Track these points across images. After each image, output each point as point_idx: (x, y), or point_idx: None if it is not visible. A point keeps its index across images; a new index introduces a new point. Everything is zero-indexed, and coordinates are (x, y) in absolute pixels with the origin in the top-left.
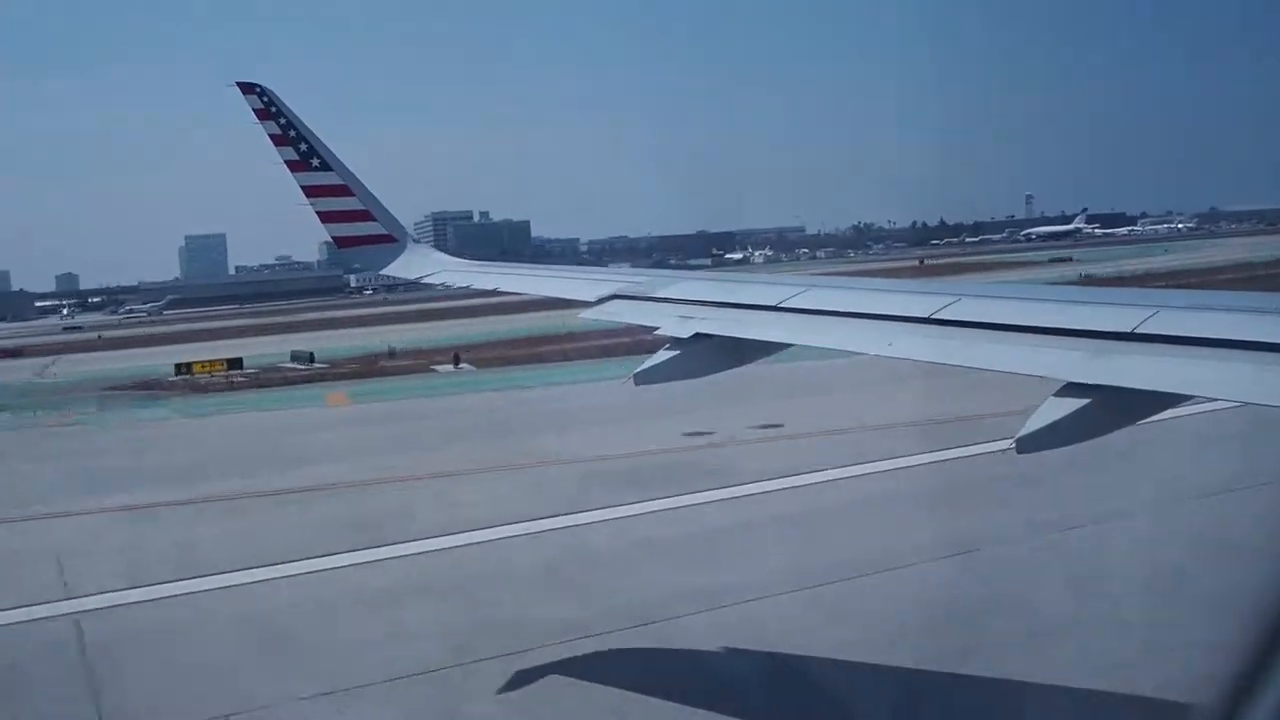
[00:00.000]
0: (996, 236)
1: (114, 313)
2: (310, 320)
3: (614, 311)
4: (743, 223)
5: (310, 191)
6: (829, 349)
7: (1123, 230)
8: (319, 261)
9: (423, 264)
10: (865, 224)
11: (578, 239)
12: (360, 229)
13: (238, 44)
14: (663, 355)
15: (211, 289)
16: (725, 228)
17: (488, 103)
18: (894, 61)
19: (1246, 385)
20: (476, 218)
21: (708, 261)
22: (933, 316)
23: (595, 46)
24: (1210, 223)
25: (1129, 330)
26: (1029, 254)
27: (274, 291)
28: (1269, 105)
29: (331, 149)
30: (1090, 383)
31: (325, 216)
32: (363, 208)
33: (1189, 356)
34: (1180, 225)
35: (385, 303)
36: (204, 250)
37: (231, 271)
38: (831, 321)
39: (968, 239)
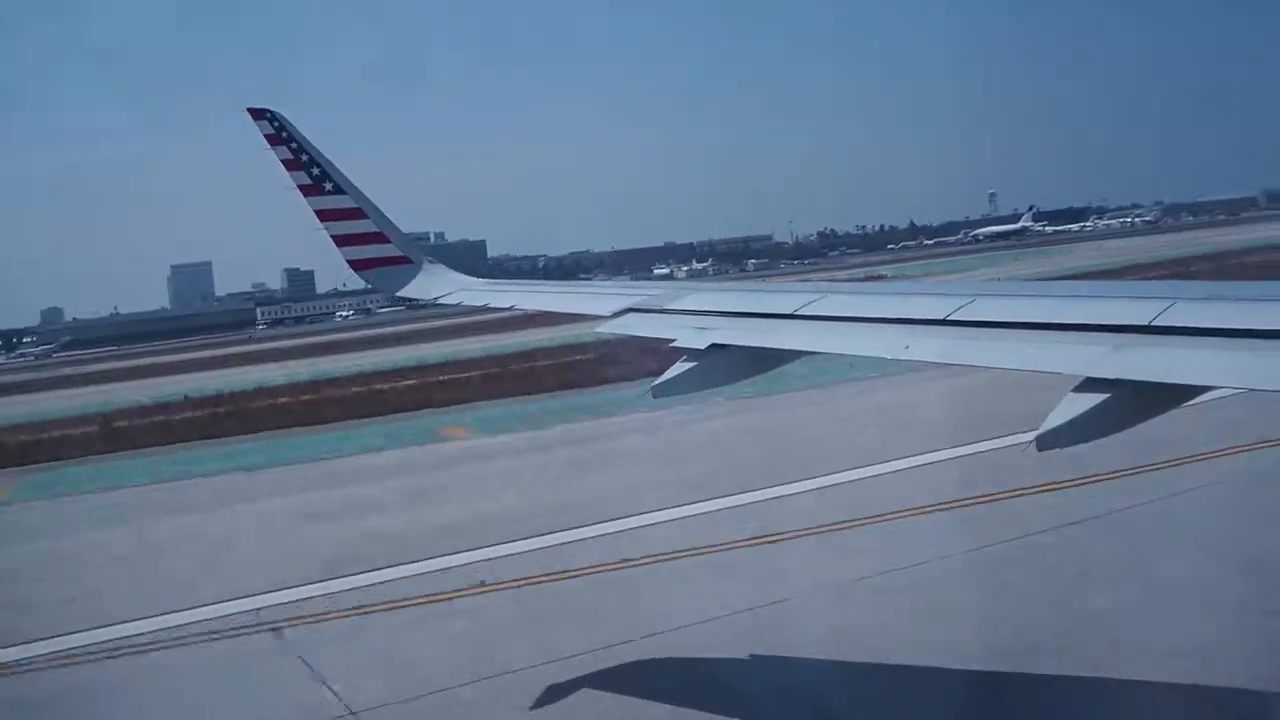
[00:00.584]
0: (952, 238)
1: (9, 355)
2: (193, 360)
3: (629, 325)
4: (709, 232)
5: (324, 215)
6: (847, 354)
7: (1075, 227)
8: (281, 289)
9: (439, 284)
10: (830, 230)
11: (538, 256)
12: (375, 251)
13: (195, 65)
14: (680, 367)
15: (108, 326)
16: (691, 238)
17: (439, 124)
18: (862, 63)
19: (1265, 373)
20: (432, 239)
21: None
22: (949, 318)
23: (542, 62)
24: (1174, 215)
25: (1146, 323)
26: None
27: (167, 330)
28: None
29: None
30: (1110, 377)
31: (340, 240)
32: (376, 230)
33: (1207, 347)
34: (1135, 220)
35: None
36: (190, 279)
37: (219, 298)
38: (847, 327)
39: (925, 241)
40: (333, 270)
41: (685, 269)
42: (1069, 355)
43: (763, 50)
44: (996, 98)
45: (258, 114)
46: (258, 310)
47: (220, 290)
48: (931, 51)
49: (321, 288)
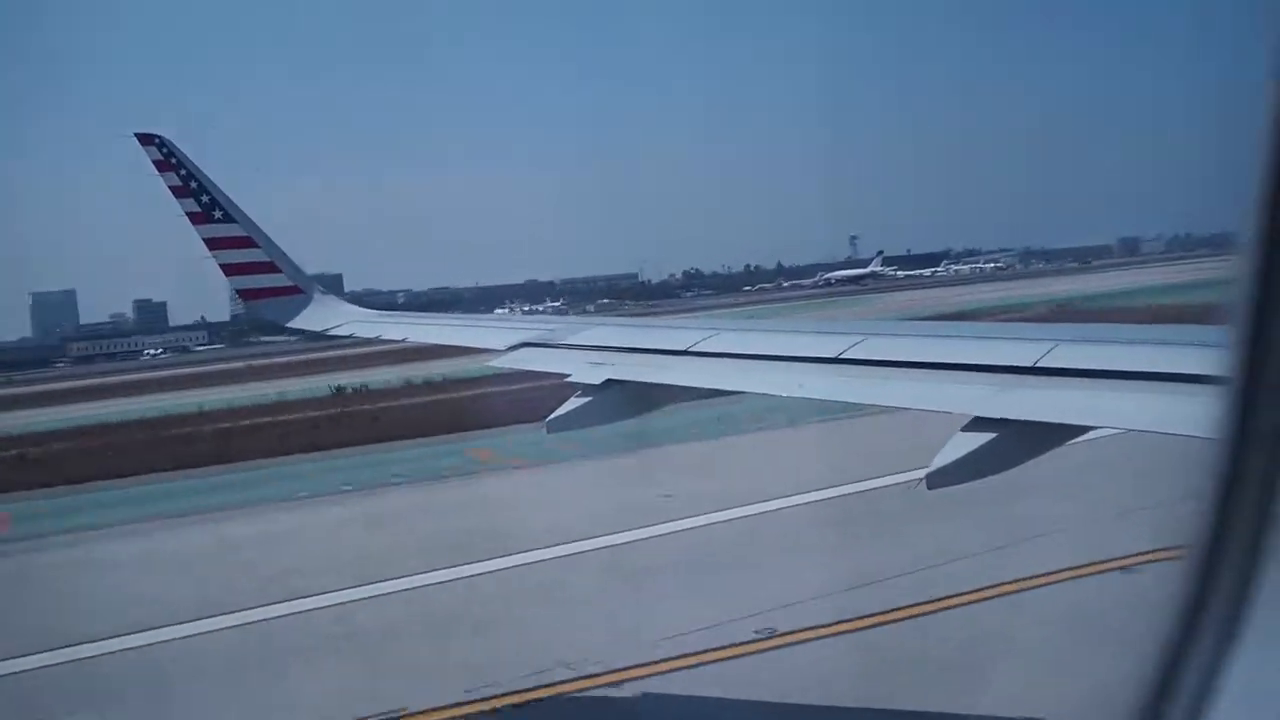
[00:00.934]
0: (807, 281)
1: None
2: None
3: (524, 359)
4: (574, 270)
5: (213, 244)
6: (741, 392)
7: (927, 272)
8: (128, 318)
9: (330, 315)
10: (696, 270)
11: (398, 291)
12: (265, 281)
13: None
14: (575, 402)
15: None
16: (555, 276)
17: (294, 157)
18: (728, 104)
19: (1145, 414)
20: None
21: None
22: (840, 356)
23: (401, 96)
24: (1028, 261)
25: (1031, 364)
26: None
27: None
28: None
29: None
30: (996, 417)
31: (229, 269)
32: (267, 259)
33: (1089, 388)
34: (986, 266)
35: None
36: (53, 308)
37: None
38: (741, 364)
39: (783, 284)
40: (189, 302)
41: (528, 308)
42: (957, 395)
43: (631, 88)
44: (870, 140)
45: (146, 139)
46: (70, 345)
47: (85, 319)
48: (803, 88)
49: (176, 320)
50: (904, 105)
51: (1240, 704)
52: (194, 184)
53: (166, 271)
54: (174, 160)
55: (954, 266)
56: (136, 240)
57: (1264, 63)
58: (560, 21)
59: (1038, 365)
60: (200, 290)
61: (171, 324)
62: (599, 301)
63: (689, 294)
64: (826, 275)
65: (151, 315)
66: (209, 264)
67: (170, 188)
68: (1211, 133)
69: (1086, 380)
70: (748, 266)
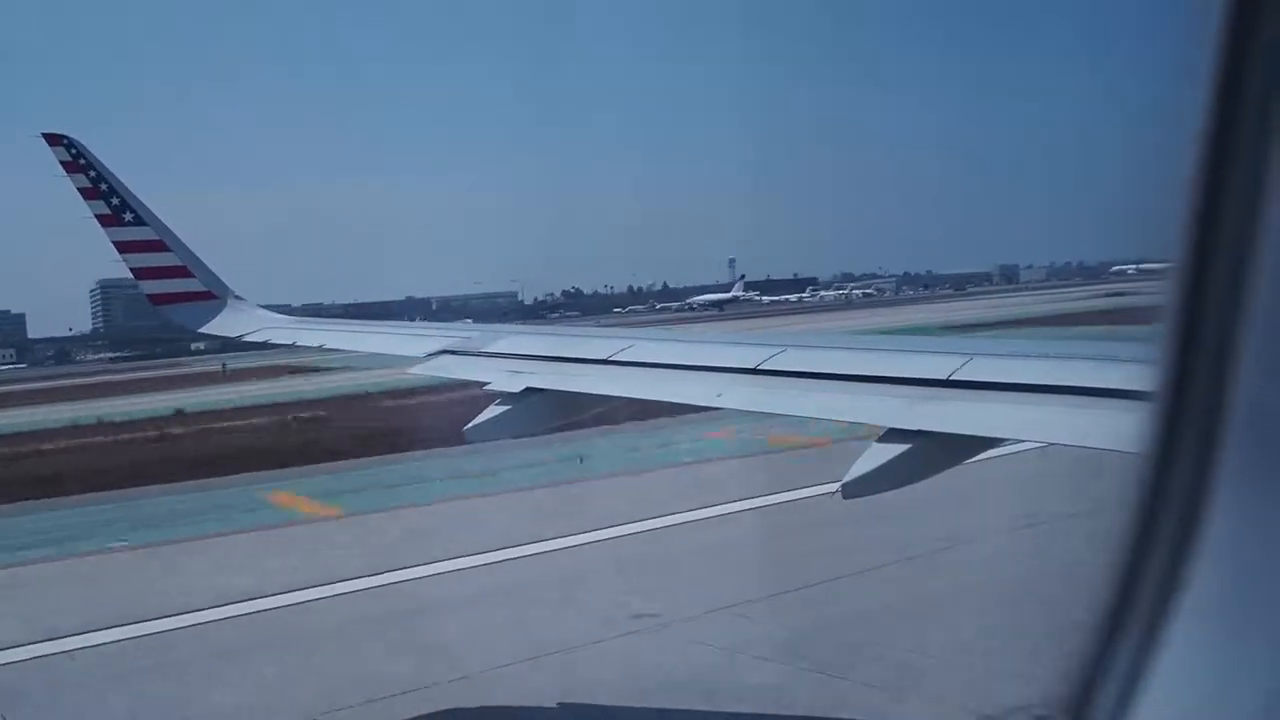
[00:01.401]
0: (674, 304)
1: None
2: None
3: (443, 367)
4: (453, 288)
5: (123, 247)
6: (659, 401)
7: (793, 297)
8: None
9: (244, 322)
10: (576, 289)
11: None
12: (177, 285)
13: None
14: (494, 411)
15: None
16: (433, 293)
17: (166, 164)
18: (624, 124)
19: (1054, 428)
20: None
21: None
22: (759, 367)
23: (244, 119)
24: (902, 288)
25: (945, 377)
26: None
27: None
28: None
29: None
30: (911, 428)
31: (140, 273)
32: (180, 263)
33: (1001, 401)
34: (856, 292)
35: None
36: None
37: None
38: (661, 374)
39: (655, 305)
40: (43, 313)
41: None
42: (873, 406)
43: (526, 105)
44: (762, 162)
45: (54, 139)
46: None
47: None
48: (693, 111)
49: (35, 332)
50: (792, 130)
51: (1162, 709)
52: (104, 186)
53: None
54: (83, 161)
55: (821, 292)
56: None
57: (1152, 92)
58: (448, 37)
59: (953, 378)
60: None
61: (30, 335)
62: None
63: (554, 315)
64: (690, 300)
65: (8, 325)
66: (81, 271)
67: (79, 189)
68: (1096, 167)
69: (1001, 393)
70: (631, 287)
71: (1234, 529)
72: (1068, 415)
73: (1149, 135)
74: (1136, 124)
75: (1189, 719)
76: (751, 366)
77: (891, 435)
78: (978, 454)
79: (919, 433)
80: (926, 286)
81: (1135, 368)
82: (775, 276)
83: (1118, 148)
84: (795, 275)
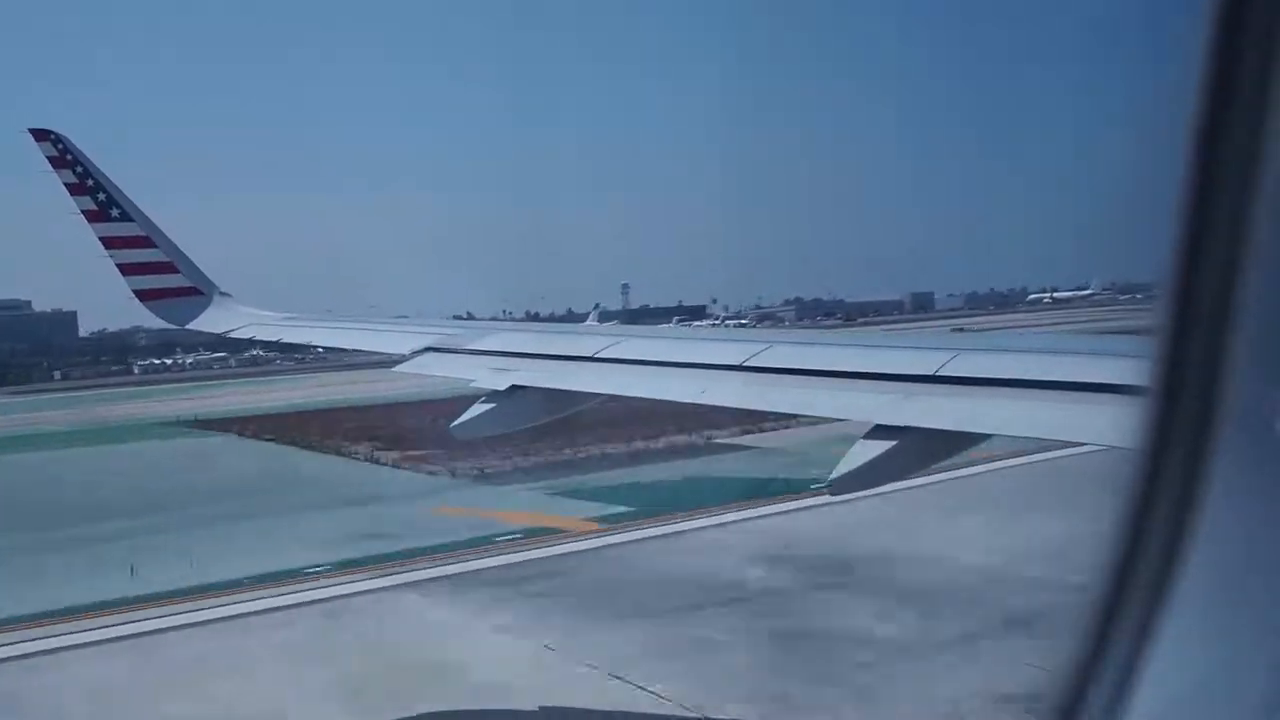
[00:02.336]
0: None
1: None
2: None
3: (427, 365)
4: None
5: (109, 243)
6: (644, 398)
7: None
8: None
9: (230, 318)
10: (469, 314)
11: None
12: (163, 281)
13: None
14: (479, 408)
15: None
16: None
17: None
18: (504, 147)
19: (1040, 423)
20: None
21: None
22: (744, 364)
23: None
24: (808, 315)
25: (932, 373)
26: None
27: None
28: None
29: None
30: (898, 424)
31: (125, 269)
32: (166, 259)
33: (987, 397)
34: (731, 322)
35: None
36: None
37: None
38: (646, 370)
39: None
40: None
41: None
42: (859, 402)
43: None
44: (669, 186)
45: (40, 135)
46: None
47: None
48: (593, 138)
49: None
50: (699, 150)
51: (1154, 706)
52: (90, 181)
53: None
54: (70, 157)
55: (696, 322)
56: None
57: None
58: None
59: (939, 374)
60: None
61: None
62: None
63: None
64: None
65: None
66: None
67: (66, 185)
68: (1016, 198)
69: (986, 388)
70: (528, 312)
71: (1227, 526)
72: (1054, 410)
73: (1082, 165)
74: (1065, 155)
75: (1182, 714)
76: (737, 363)
77: (878, 431)
78: (965, 449)
79: (906, 428)
80: (829, 315)
81: (1122, 362)
82: (673, 304)
83: (1049, 176)
84: (680, 303)
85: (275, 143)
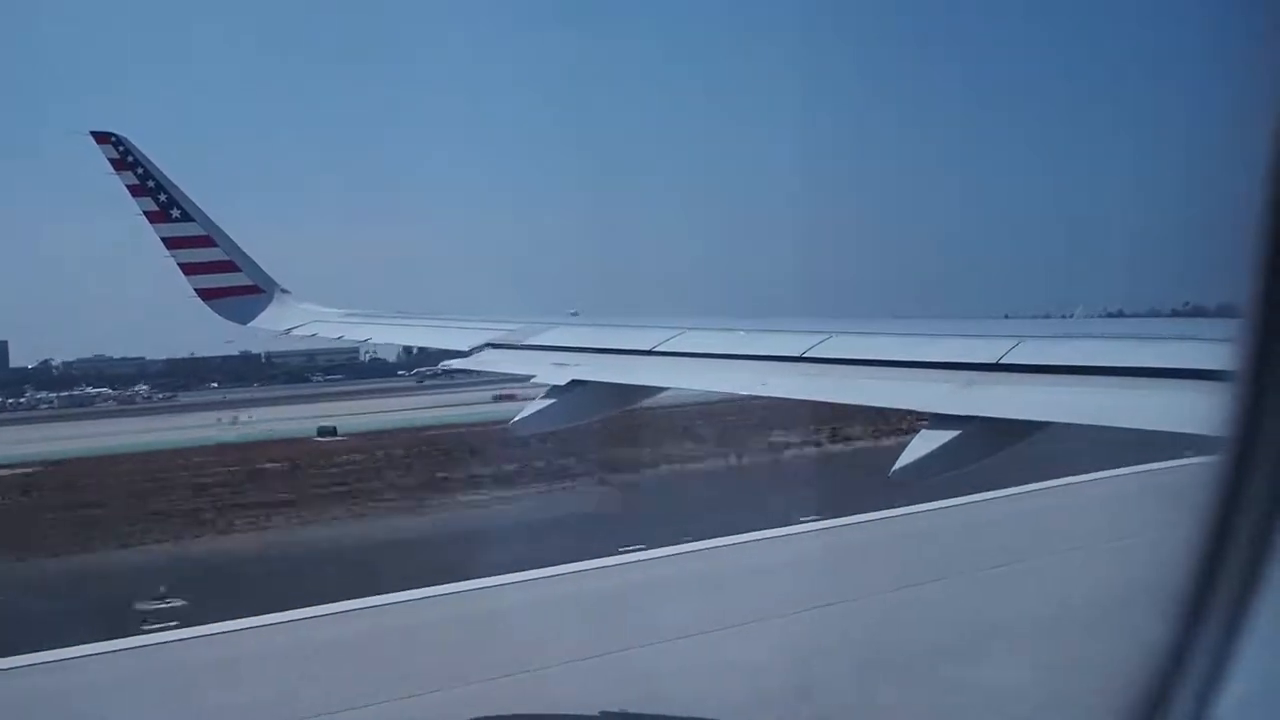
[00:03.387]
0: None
1: None
2: None
3: (488, 360)
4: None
5: (171, 243)
6: (704, 390)
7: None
8: None
9: (292, 315)
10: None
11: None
12: (225, 280)
13: None
14: (540, 403)
15: None
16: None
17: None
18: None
19: (1104, 410)
20: None
21: None
22: (804, 355)
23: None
24: None
25: (995, 361)
26: None
27: None
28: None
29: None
30: (960, 414)
31: (188, 268)
32: (227, 258)
33: (1052, 384)
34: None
35: None
36: None
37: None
38: (706, 363)
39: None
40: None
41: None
42: (921, 392)
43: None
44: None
45: (102, 138)
46: None
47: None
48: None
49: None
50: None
51: (1244, 701)
52: (151, 183)
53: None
54: (131, 159)
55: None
56: None
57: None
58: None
59: (1001, 362)
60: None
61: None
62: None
63: (316, 378)
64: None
65: None
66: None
67: (127, 186)
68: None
69: (1050, 376)
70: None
71: None
72: (1120, 397)
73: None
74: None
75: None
76: (797, 354)
77: (939, 421)
78: (1024, 439)
79: (967, 418)
80: None
81: (1188, 345)
82: None
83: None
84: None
85: (342, 145)
